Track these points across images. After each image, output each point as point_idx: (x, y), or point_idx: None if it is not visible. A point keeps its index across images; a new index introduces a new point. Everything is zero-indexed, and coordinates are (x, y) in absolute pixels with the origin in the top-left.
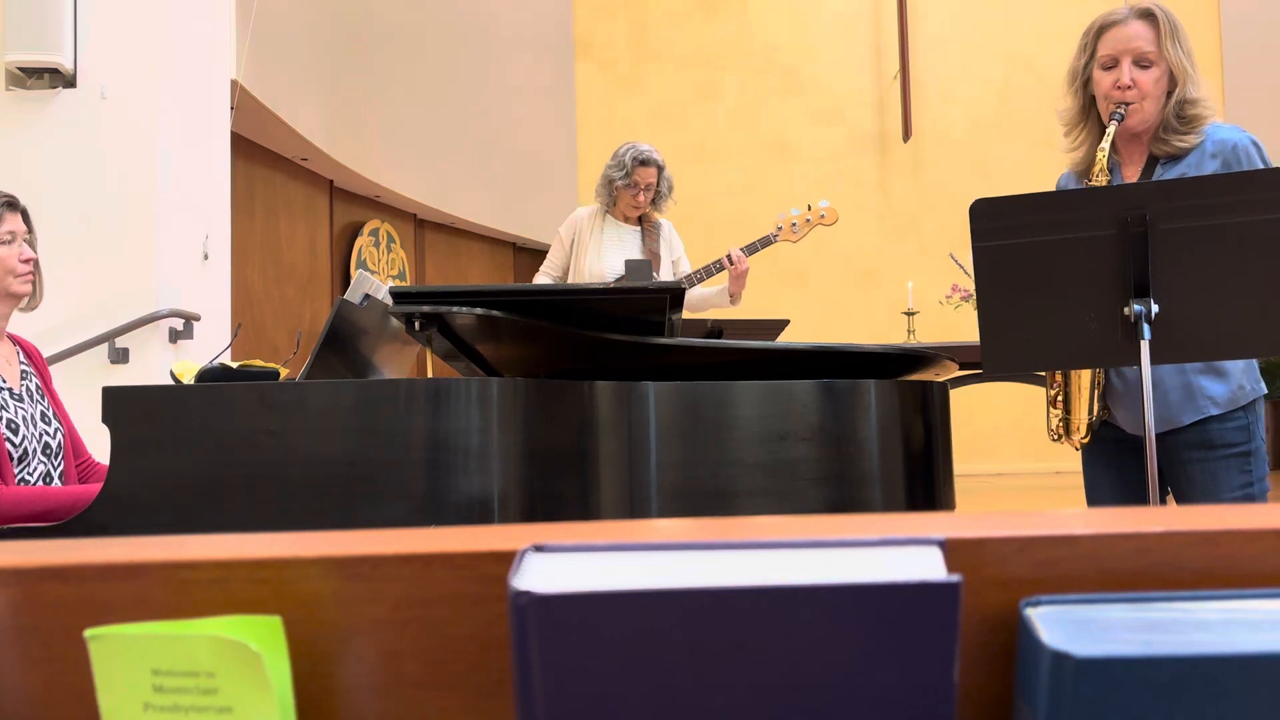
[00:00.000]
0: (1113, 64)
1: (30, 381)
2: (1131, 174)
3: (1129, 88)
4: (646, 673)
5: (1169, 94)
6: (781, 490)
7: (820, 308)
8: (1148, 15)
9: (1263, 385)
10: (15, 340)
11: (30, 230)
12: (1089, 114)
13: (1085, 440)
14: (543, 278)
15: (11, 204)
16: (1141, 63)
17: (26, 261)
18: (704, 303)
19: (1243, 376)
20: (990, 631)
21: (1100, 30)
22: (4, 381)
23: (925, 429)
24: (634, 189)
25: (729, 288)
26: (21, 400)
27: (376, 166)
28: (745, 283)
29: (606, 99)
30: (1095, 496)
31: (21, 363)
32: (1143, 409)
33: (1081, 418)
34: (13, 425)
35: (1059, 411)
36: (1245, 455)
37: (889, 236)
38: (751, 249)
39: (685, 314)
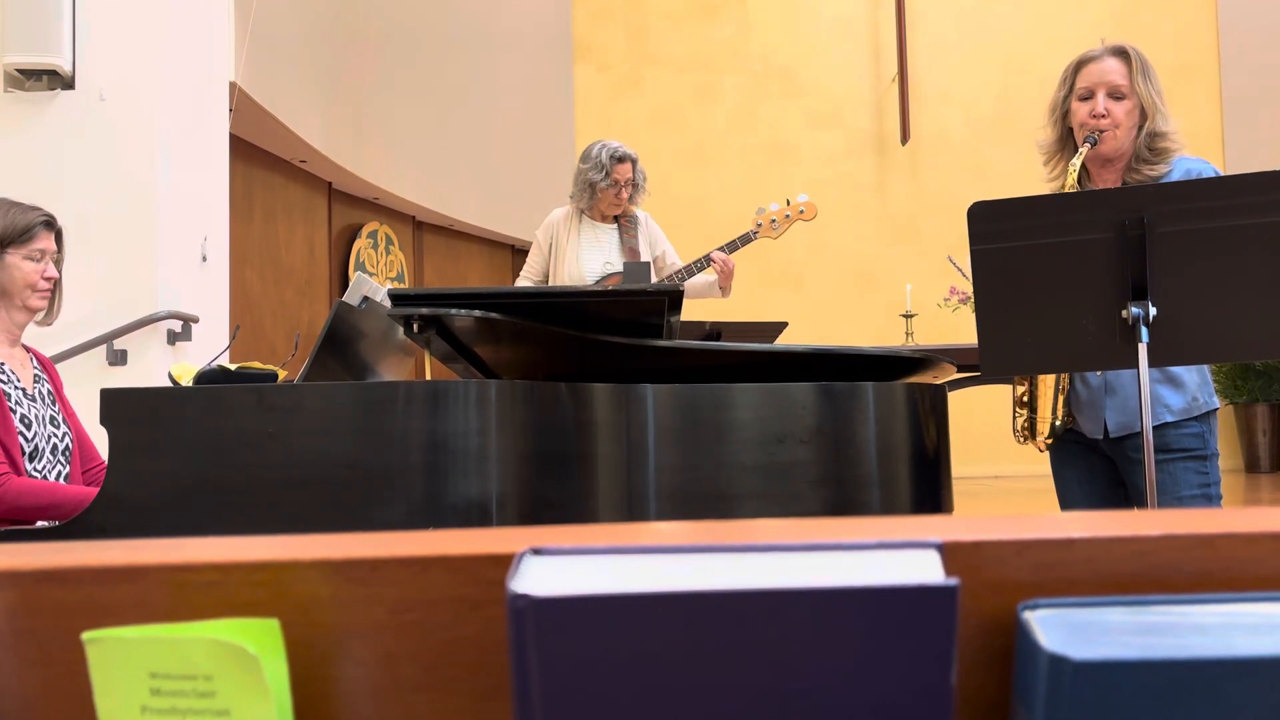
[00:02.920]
0: (1089, 95)
1: (42, 386)
2: None
3: (1103, 116)
4: (644, 676)
5: (1140, 127)
6: (780, 493)
7: (818, 310)
8: (1121, 53)
9: (1216, 400)
10: (29, 350)
11: (60, 251)
12: (1066, 144)
13: (1048, 442)
14: (524, 282)
15: (49, 224)
16: (1115, 94)
17: (48, 280)
18: (694, 293)
19: (1198, 390)
20: (988, 635)
21: (1078, 65)
22: (19, 381)
23: (924, 431)
24: (615, 187)
25: (719, 282)
26: (35, 401)
27: (375, 169)
28: (733, 276)
29: (605, 101)
30: (1067, 500)
31: (35, 368)
32: (1105, 416)
33: (1045, 418)
34: (26, 420)
35: (1025, 412)
36: (1201, 459)
37: (887, 239)
38: (732, 247)
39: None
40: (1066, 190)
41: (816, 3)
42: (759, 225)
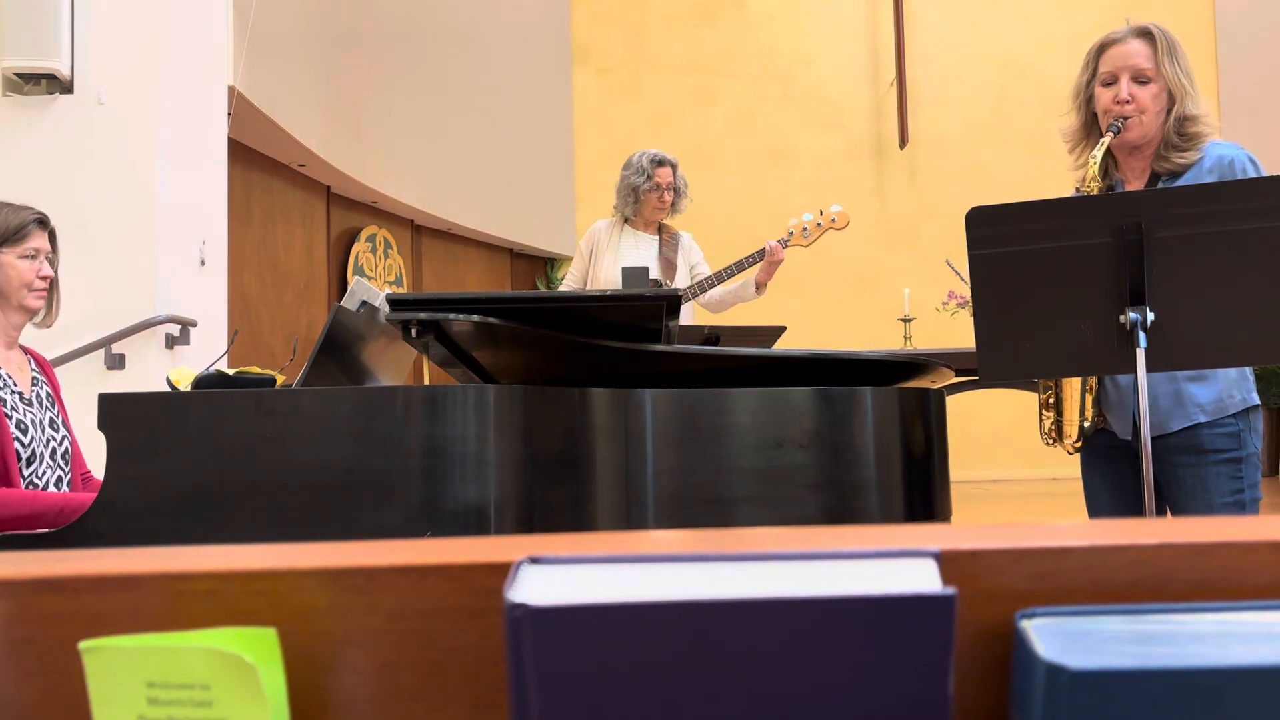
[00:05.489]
0: (1112, 80)
1: (41, 389)
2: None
3: (1127, 102)
4: (642, 685)
5: (1169, 111)
6: (778, 497)
7: (817, 314)
8: (1146, 34)
9: (1255, 395)
10: (28, 351)
11: (54, 251)
12: (1091, 130)
13: (1077, 445)
14: (566, 289)
15: (43, 222)
16: (1140, 79)
17: (44, 279)
18: (732, 297)
19: (1234, 385)
20: (985, 644)
21: (1101, 48)
22: (15, 385)
23: (922, 436)
24: (658, 190)
25: (758, 277)
26: (31, 405)
27: (374, 172)
28: (774, 273)
29: (604, 105)
30: (1094, 504)
31: (33, 370)
32: (1135, 416)
33: (1073, 419)
34: (22, 426)
35: (1051, 414)
36: (1236, 461)
37: (886, 243)
38: (782, 243)
39: (712, 316)
40: (1088, 181)
41: (815, 7)
42: (790, 233)
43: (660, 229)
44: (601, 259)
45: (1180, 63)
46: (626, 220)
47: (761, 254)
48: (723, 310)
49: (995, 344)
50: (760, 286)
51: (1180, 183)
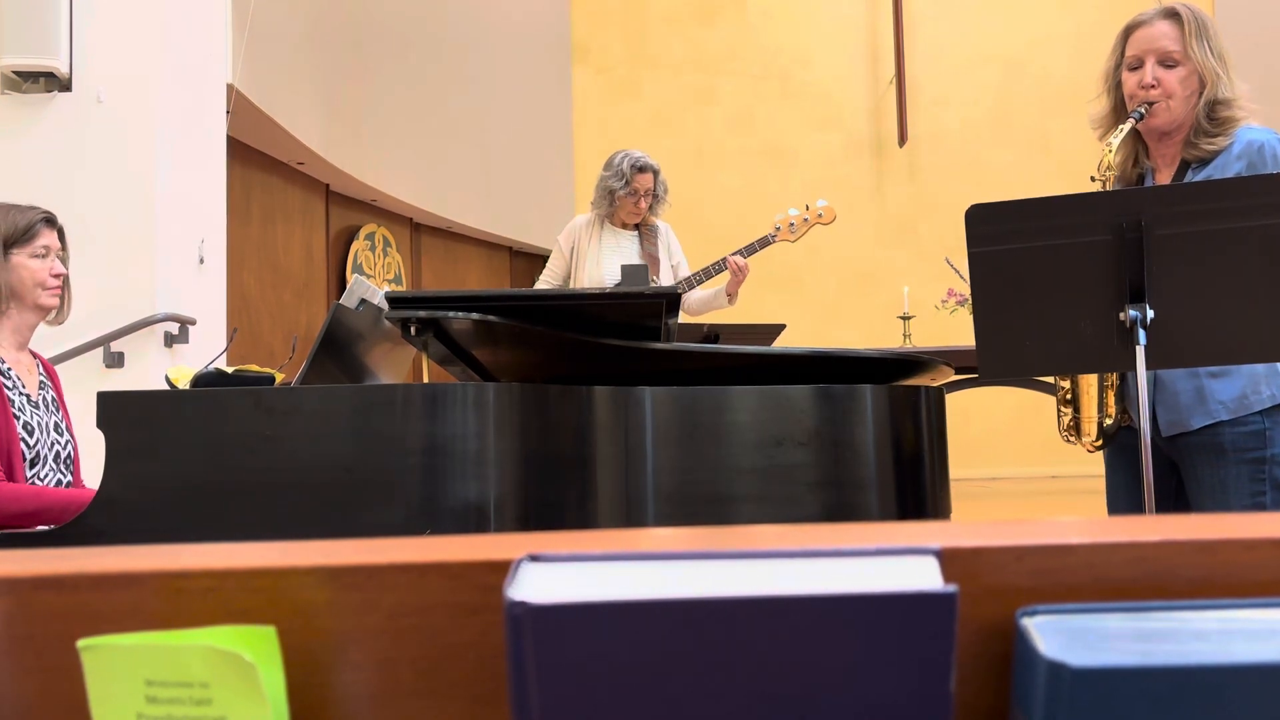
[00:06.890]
0: (1138, 64)
1: (47, 393)
2: (1165, 179)
3: (1152, 87)
4: (642, 683)
5: (1200, 95)
6: (778, 495)
7: (816, 312)
8: (1173, 15)
9: None
10: (35, 355)
11: (64, 248)
12: (1120, 115)
13: (1097, 444)
14: (544, 285)
15: (50, 220)
16: (1166, 62)
17: (57, 276)
18: (703, 305)
19: (1261, 381)
20: (987, 641)
21: (1128, 31)
22: (24, 387)
23: (922, 434)
24: (634, 196)
25: (727, 288)
26: (39, 407)
27: (373, 171)
28: (743, 282)
29: (603, 104)
30: (1114, 502)
31: (40, 374)
32: (1139, 415)
33: (1091, 416)
34: (29, 428)
35: (1069, 411)
36: (1259, 462)
37: (885, 241)
38: (750, 250)
39: (686, 319)
40: (1104, 169)
41: (814, 6)
42: (777, 228)
43: (639, 224)
44: (584, 258)
45: (1211, 44)
46: (605, 218)
47: (722, 264)
48: (698, 317)
49: (995, 342)
50: (731, 297)
51: (1208, 169)
